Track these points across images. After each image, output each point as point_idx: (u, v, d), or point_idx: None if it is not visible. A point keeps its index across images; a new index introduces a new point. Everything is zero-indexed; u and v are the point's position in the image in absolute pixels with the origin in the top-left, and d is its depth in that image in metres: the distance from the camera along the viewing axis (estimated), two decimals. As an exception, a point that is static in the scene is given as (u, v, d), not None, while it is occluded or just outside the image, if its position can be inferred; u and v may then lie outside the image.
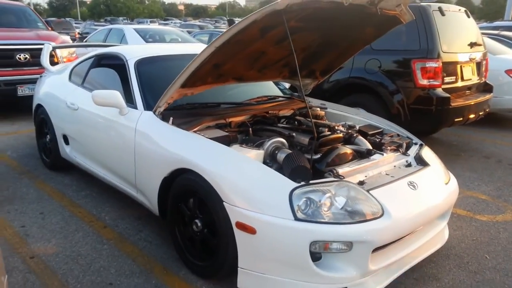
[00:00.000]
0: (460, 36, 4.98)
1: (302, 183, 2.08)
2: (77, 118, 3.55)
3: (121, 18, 50.12)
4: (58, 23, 22.22)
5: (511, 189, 3.93)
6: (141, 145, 2.75)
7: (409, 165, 2.61)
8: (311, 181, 2.11)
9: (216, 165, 2.24)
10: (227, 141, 2.54)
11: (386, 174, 2.43)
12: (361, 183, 2.26)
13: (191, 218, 2.44)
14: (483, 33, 5.85)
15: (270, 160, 2.50)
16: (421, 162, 2.66)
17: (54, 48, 5.26)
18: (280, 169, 2.30)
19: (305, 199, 2.03)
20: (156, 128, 2.70)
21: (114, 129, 3.05)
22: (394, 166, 2.56)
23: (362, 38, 3.03)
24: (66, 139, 3.84)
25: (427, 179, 2.47)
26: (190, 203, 2.45)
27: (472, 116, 4.83)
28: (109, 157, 3.18)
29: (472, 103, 4.80)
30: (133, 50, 3.51)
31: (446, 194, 2.49)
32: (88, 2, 78.35)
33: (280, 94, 3.73)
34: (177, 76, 2.53)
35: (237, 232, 2.09)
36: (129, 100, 3.02)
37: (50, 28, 8.23)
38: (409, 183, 2.34)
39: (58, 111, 3.89)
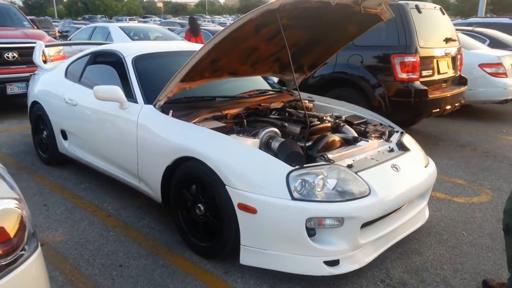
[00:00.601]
0: (436, 32, 5.28)
1: (297, 166, 2.30)
2: (76, 113, 3.69)
3: (99, 16, 49.51)
4: (37, 22, 21.95)
5: (485, 174, 4.24)
6: (143, 137, 2.92)
7: (391, 150, 2.86)
8: (305, 165, 2.33)
9: (218, 153, 2.44)
10: (224, 132, 2.73)
11: (372, 159, 2.67)
12: (349, 166, 2.49)
13: (194, 203, 2.63)
14: (457, 29, 6.18)
15: (265, 148, 2.69)
16: (402, 147, 2.91)
17: (48, 46, 5.35)
18: (275, 156, 2.51)
19: (300, 180, 2.25)
20: (158, 121, 2.88)
21: (115, 123, 3.21)
22: (378, 151, 2.80)
23: (346, 35, 3.26)
24: (64, 134, 3.98)
25: (408, 163, 2.72)
26: (192, 189, 2.64)
27: (448, 107, 5.14)
28: (110, 150, 3.34)
29: (448, 95, 5.11)
30: (129, 47, 3.67)
31: (425, 176, 2.75)
32: (64, 0, 76.97)
33: (270, 88, 3.95)
34: (177, 71, 2.71)
35: (239, 213, 2.29)
36: (128, 95, 3.18)
37: (36, 27, 8.25)
38: (392, 165, 2.59)
39: (55, 107, 4.02)
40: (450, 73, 5.42)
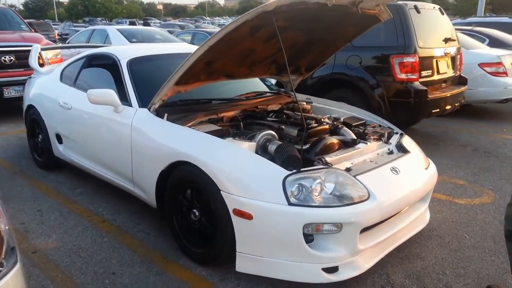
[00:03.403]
0: (435, 32, 5.23)
1: (294, 170, 2.24)
2: (71, 117, 3.64)
3: (99, 18, 49.56)
4: (37, 25, 21.89)
5: (486, 175, 4.18)
6: (138, 140, 2.87)
7: (391, 152, 2.80)
8: (302, 169, 2.27)
9: (213, 157, 2.38)
10: (220, 135, 2.67)
11: (371, 161, 2.61)
12: (348, 169, 2.43)
13: (189, 208, 2.58)
14: (457, 29, 6.12)
15: (261, 151, 2.64)
16: (402, 149, 2.85)
17: (44, 49, 5.30)
18: (272, 160, 2.45)
19: (297, 185, 2.19)
20: (152, 124, 2.82)
21: (109, 127, 3.15)
22: (378, 153, 2.75)
23: (344, 36, 3.21)
24: (59, 138, 3.92)
25: (408, 165, 2.66)
26: (187, 194, 2.59)
27: (448, 107, 5.08)
28: (105, 154, 3.29)
29: (448, 95, 5.06)
30: (124, 50, 3.62)
31: (426, 178, 2.69)
32: (65, 3, 77.03)
33: (267, 90, 3.89)
34: (172, 74, 2.66)
35: (235, 219, 2.24)
36: (123, 98, 3.13)
37: (33, 30, 8.21)
38: (391, 168, 2.53)
39: (50, 111, 3.97)
40: (450, 73, 5.36)
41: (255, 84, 3.93)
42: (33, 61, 4.76)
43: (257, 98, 3.45)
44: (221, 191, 2.29)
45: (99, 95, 3.00)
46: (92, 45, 5.66)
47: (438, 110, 4.88)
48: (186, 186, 2.58)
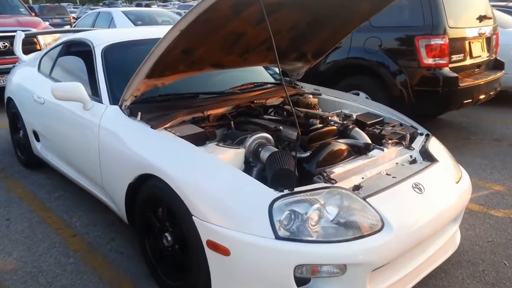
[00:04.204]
0: (468, 9, 4.53)
1: (285, 191, 1.73)
2: (44, 112, 3.20)
3: (119, 1, 49.09)
4: (51, 9, 21.68)
5: (527, 178, 3.58)
6: (105, 143, 2.41)
7: (413, 161, 2.25)
8: (296, 189, 1.76)
9: (184, 171, 1.89)
10: (202, 139, 2.20)
11: (387, 174, 2.08)
12: (356, 188, 1.90)
13: (161, 231, 2.11)
14: (492, 5, 5.39)
15: (253, 158, 2.16)
16: (427, 157, 2.30)
17: (28, 35, 4.88)
18: (264, 169, 1.96)
19: (288, 212, 1.68)
20: (120, 125, 2.35)
21: (78, 125, 2.70)
22: (397, 163, 2.21)
23: (357, 15, 2.63)
24: (36, 135, 3.51)
25: (436, 179, 2.11)
26: (159, 213, 2.12)
27: (482, 96, 4.44)
28: (76, 156, 2.85)
29: (482, 82, 4.40)
30: (102, 35, 3.13)
31: (457, 196, 2.13)
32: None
33: (271, 80, 3.37)
34: (140, 65, 2.16)
35: (209, 253, 1.76)
36: (95, 93, 2.67)
37: (33, 14, 7.82)
38: (414, 185, 1.99)
39: (27, 104, 3.55)
40: (484, 56, 4.68)
41: (257, 73, 3.40)
42: (16, 48, 4.33)
43: (254, 91, 2.92)
44: (193, 217, 1.80)
45: (64, 90, 2.54)
46: (76, 30, 5.21)
47: (470, 100, 4.24)
48: (157, 204, 2.11)
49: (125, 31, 3.49)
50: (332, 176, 1.94)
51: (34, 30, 6.23)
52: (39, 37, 6.40)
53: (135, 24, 8.36)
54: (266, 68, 3.52)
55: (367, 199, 1.81)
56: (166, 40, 1.99)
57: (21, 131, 3.87)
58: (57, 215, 3.02)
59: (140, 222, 2.24)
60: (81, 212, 3.04)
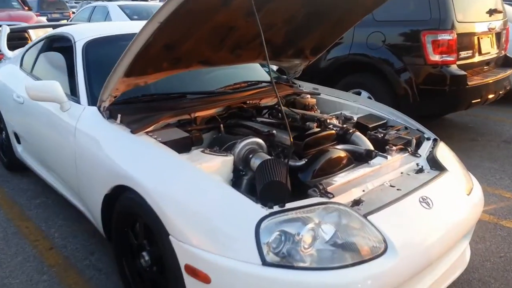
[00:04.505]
0: (477, 2, 4.28)
1: (275, 208, 1.52)
2: (24, 113, 2.99)
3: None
4: (51, 3, 21.42)
5: (540, 183, 3.35)
6: (82, 148, 2.20)
7: (420, 170, 2.03)
8: (288, 204, 1.54)
9: (161, 184, 1.68)
10: (187, 144, 1.99)
11: (391, 186, 1.86)
12: (356, 202, 1.69)
13: (138, 249, 1.90)
14: (502, -1, 5.13)
15: (244, 166, 1.95)
16: (435, 165, 2.07)
17: (14, 30, 4.66)
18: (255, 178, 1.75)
19: (278, 233, 1.47)
20: (97, 128, 2.14)
21: (56, 127, 2.49)
22: (401, 172, 1.98)
23: (359, 7, 2.41)
24: (17, 137, 3.30)
25: (445, 191, 1.89)
26: (137, 228, 1.91)
27: (491, 96, 4.20)
28: (53, 160, 2.65)
29: (491, 80, 4.16)
30: (85, 29, 2.91)
31: (469, 209, 1.91)
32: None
33: (267, 78, 3.14)
34: (116, 63, 1.94)
35: (188, 279, 1.54)
36: (75, 92, 2.46)
37: (26, 8, 7.61)
38: (421, 199, 1.77)
39: (8, 104, 3.33)
40: (494, 52, 4.44)
41: (252, 70, 3.18)
42: (1, 43, 4.12)
43: (247, 90, 2.70)
44: (170, 236, 1.59)
45: (39, 90, 2.32)
46: (62, 24, 4.99)
47: (479, 100, 4.01)
48: (134, 219, 1.90)
49: (110, 25, 3.27)
50: (329, 189, 1.72)
51: (24, 25, 6.01)
52: (31, 32, 6.20)
53: (131, 19, 8.12)
54: (263, 65, 3.30)
55: (369, 217, 1.59)
56: (144, 35, 1.77)
57: (3, 132, 3.66)
58: (35, 224, 2.81)
59: (117, 238, 2.03)
60: (61, 222, 2.84)
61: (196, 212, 1.56)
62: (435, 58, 3.81)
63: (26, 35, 6.11)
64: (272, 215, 1.49)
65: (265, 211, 1.49)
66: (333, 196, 1.67)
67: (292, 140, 1.61)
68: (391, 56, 4.07)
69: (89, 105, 2.31)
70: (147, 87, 2.31)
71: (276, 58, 2.80)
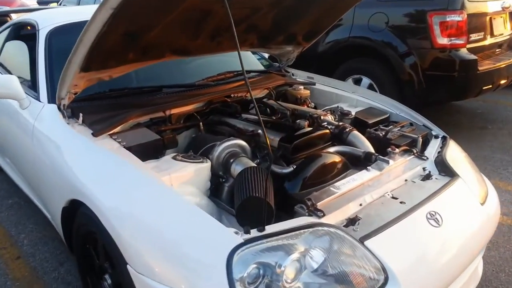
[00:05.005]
0: (489, -22, 3.93)
1: (253, 233, 1.25)
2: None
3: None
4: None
5: (556, 178, 3.07)
6: (39, 150, 1.94)
7: (427, 176, 1.74)
8: (268, 228, 1.28)
9: (118, 201, 1.41)
10: (157, 149, 1.73)
11: (393, 198, 1.58)
12: (352, 221, 1.42)
13: (101, 271, 1.65)
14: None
15: (224, 171, 1.70)
16: (445, 170, 1.79)
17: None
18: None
19: (255, 265, 1.20)
20: (54, 129, 1.88)
21: (17, 125, 2.23)
22: (406, 180, 1.71)
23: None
24: (-14, 134, 3.04)
25: (456, 203, 1.62)
26: (98, 246, 1.66)
27: (503, 81, 3.88)
28: (18, 161, 2.40)
29: (504, 65, 3.82)
30: (52, 14, 2.62)
31: (484, 222, 1.65)
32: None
33: (259, 66, 2.86)
34: (69, 56, 1.66)
35: (148, 317, 1.29)
36: (35, 87, 2.18)
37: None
38: (429, 215, 1.49)
39: (-25, 97, 3.07)
40: (507, 34, 4.10)
41: (244, 58, 2.87)
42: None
43: (232, 82, 2.41)
44: (128, 266, 1.33)
45: (-7, 85, 2.05)
46: (34, 8, 4.67)
47: (490, 86, 3.69)
48: (93, 237, 1.65)
49: (82, 9, 2.95)
50: (319, 204, 1.45)
51: (6, 9, 5.70)
52: (14, 17, 5.88)
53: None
54: (254, 52, 3.00)
55: (366, 241, 1.32)
56: (96, 23, 1.47)
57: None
58: (4, 229, 2.58)
59: (80, 255, 1.78)
60: (32, 225, 2.60)
61: (158, 239, 1.30)
62: (443, 41, 3.48)
63: (9, 19, 5.79)
64: (248, 243, 1.22)
65: (239, 239, 1.23)
66: (324, 215, 1.40)
67: (270, 146, 1.34)
68: (395, 39, 3.73)
69: (49, 102, 2.03)
70: (116, 80, 2.03)
71: (265, 45, 2.49)
